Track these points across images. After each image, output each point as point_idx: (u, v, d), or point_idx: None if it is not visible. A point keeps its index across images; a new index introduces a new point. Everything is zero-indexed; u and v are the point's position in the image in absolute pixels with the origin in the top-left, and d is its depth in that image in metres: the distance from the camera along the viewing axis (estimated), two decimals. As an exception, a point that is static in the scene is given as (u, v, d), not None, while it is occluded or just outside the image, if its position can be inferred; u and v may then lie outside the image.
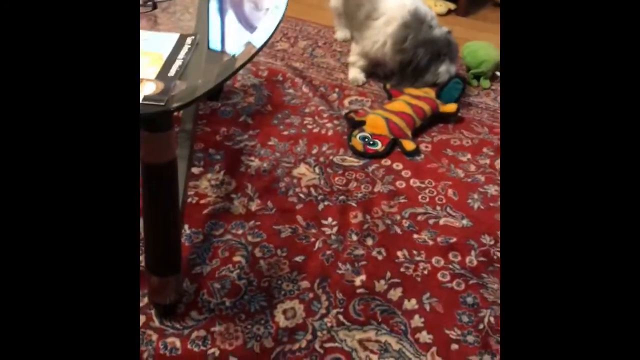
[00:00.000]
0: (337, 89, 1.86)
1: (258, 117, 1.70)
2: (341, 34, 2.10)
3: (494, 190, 1.52)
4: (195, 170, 1.48)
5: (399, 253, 1.32)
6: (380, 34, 1.76)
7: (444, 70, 1.75)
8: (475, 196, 1.50)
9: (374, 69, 1.92)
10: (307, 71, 1.93)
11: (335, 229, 1.36)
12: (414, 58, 1.73)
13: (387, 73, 1.91)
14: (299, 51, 2.03)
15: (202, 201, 1.41)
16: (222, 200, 1.41)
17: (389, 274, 1.27)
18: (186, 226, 1.32)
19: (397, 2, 1.76)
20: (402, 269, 1.29)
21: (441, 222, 1.42)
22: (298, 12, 2.21)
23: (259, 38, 1.02)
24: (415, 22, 1.72)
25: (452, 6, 2.35)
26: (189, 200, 1.40)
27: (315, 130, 1.67)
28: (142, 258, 1.16)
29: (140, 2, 1.08)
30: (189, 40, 0.99)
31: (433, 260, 1.32)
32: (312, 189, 1.47)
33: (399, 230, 1.38)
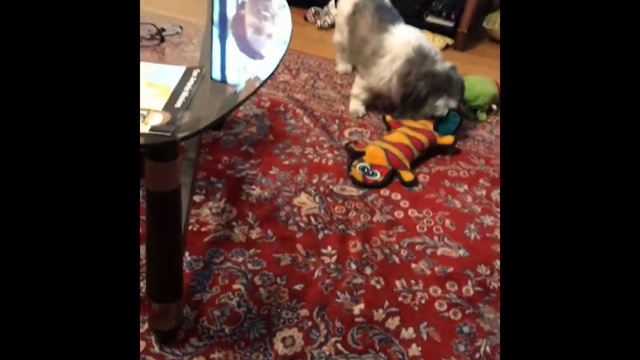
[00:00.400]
0: (337, 120, 1.90)
1: (260, 147, 1.74)
2: (342, 67, 2.15)
3: (489, 220, 1.55)
4: (197, 198, 1.51)
5: (397, 282, 1.34)
6: (387, 71, 1.81)
7: (442, 104, 1.79)
8: (472, 226, 1.52)
9: (374, 102, 1.96)
10: (308, 102, 1.97)
11: (334, 258, 1.38)
12: (414, 90, 1.78)
13: (386, 105, 1.96)
14: (300, 83, 2.08)
15: (203, 229, 1.43)
16: (223, 228, 1.44)
17: (387, 303, 1.29)
18: (187, 253, 1.34)
19: (402, 40, 1.81)
20: (400, 298, 1.30)
21: (438, 252, 1.44)
22: (300, 46, 2.26)
23: (263, 71, 1.06)
24: (418, 58, 1.77)
25: (449, 41, 2.41)
26: (190, 227, 1.42)
27: (315, 160, 1.70)
28: (142, 284, 1.17)
29: (148, 36, 1.12)
30: (194, 72, 1.03)
31: (430, 289, 1.33)
32: (312, 218, 1.50)
33: (397, 260, 1.40)
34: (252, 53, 1.26)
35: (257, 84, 1.03)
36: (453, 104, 1.80)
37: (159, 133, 0.87)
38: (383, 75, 1.83)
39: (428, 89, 1.78)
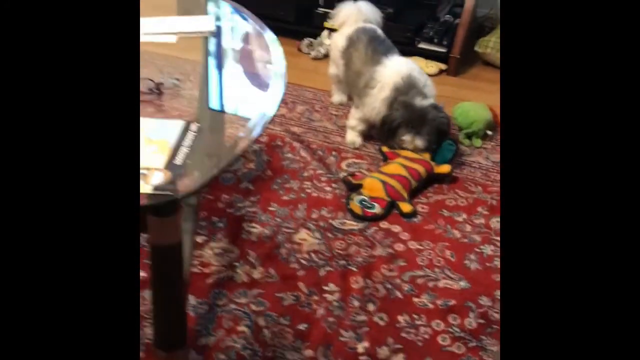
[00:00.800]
0: (334, 152, 1.92)
1: (258, 183, 1.76)
2: (338, 97, 2.18)
3: (490, 250, 1.56)
4: (198, 239, 1.52)
5: (400, 318, 1.35)
6: (377, 101, 1.83)
7: (408, 139, 1.80)
8: (472, 257, 1.54)
9: (369, 132, 1.99)
10: (305, 135, 2.00)
11: (337, 295, 1.40)
12: (389, 118, 1.80)
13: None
14: (296, 116, 2.11)
15: (206, 270, 1.44)
16: (225, 269, 1.45)
17: (390, 340, 1.30)
18: (191, 297, 1.36)
19: (392, 70, 1.83)
20: (403, 334, 1.31)
21: (440, 284, 1.45)
22: (295, 77, 2.29)
23: (260, 122, 1.08)
24: (405, 87, 1.79)
25: (443, 66, 2.44)
26: (194, 269, 1.43)
27: (314, 195, 1.72)
28: (149, 332, 1.19)
29: (147, 90, 1.15)
30: (193, 127, 1.05)
31: (433, 323, 1.35)
32: (313, 255, 1.51)
33: (399, 295, 1.41)
34: (249, 100, 1.28)
35: (255, 135, 1.06)
36: (419, 142, 1.80)
37: (161, 192, 0.89)
38: (374, 105, 1.85)
39: (400, 121, 1.79)
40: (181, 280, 1.04)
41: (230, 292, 1.39)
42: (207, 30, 1.44)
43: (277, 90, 1.20)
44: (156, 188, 0.89)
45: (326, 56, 2.45)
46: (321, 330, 1.31)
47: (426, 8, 2.62)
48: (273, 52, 1.38)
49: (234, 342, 1.27)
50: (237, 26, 1.62)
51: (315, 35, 2.56)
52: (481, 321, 1.36)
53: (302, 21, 2.60)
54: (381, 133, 1.86)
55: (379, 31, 2.00)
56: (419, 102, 1.78)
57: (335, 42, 2.06)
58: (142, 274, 1.41)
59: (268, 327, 1.31)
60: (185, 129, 1.04)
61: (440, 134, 1.81)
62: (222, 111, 1.18)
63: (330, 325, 1.32)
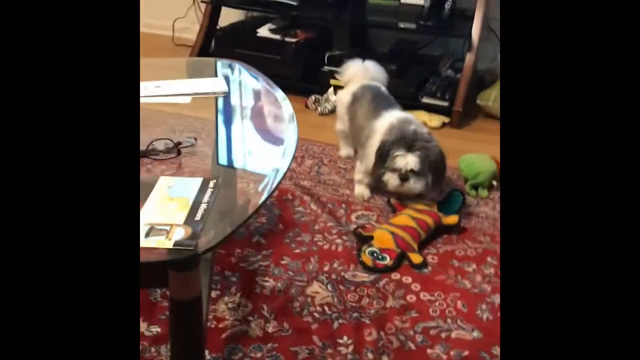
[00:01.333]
0: (343, 205, 1.96)
1: (270, 237, 1.79)
2: (345, 151, 2.24)
3: (499, 300, 1.57)
4: (212, 294, 1.54)
5: (414, 369, 1.35)
6: (372, 152, 1.87)
7: (400, 156, 1.77)
8: (484, 307, 1.55)
9: (377, 184, 2.03)
10: (314, 189, 2.04)
11: (351, 348, 1.40)
12: (381, 144, 1.82)
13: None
14: (306, 170, 2.16)
15: (220, 325, 1.46)
16: (239, 323, 1.46)
17: (406, 392, 1.30)
18: (206, 352, 1.37)
19: (386, 120, 1.89)
20: (418, 386, 1.31)
21: (453, 335, 1.46)
22: (303, 133, 2.32)
23: (274, 178, 1.13)
24: (394, 135, 1.81)
25: (446, 119, 2.51)
26: (208, 324, 1.45)
27: (325, 247, 1.75)
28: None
29: (165, 149, 1.20)
30: (211, 183, 1.09)
31: (448, 375, 1.35)
32: (326, 307, 1.52)
33: (412, 346, 1.42)
34: (263, 156, 1.33)
35: (271, 189, 1.10)
36: (412, 159, 1.76)
37: (182, 248, 0.93)
38: (371, 157, 1.88)
39: (393, 141, 1.79)
40: (200, 334, 1.06)
41: (245, 346, 1.40)
42: (220, 90, 1.50)
43: (289, 145, 1.25)
44: (177, 244, 0.93)
45: (332, 112, 2.53)
46: (336, 383, 1.31)
47: (428, 64, 2.72)
48: (283, 109, 1.44)
49: (250, 397, 1.27)
50: (248, 85, 1.69)
51: (322, 92, 2.65)
52: (496, 372, 1.36)
53: (309, 79, 2.70)
54: (376, 162, 1.84)
55: (383, 88, 2.07)
56: (412, 128, 1.82)
57: (341, 98, 2.14)
58: (157, 329, 1.42)
59: (283, 381, 1.31)
60: (204, 186, 1.08)
61: (433, 159, 1.80)
62: (236, 168, 1.23)
63: (346, 378, 1.33)
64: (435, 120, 2.49)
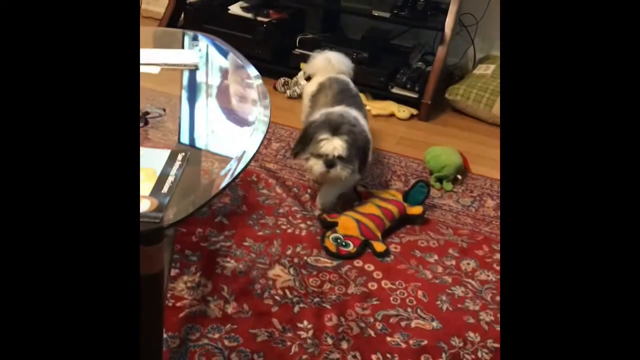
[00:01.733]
0: (309, 190, 1.94)
1: (233, 218, 1.75)
2: None
3: (460, 291, 1.58)
4: (172, 272, 1.50)
5: (373, 357, 1.35)
6: None
7: (326, 139, 1.66)
8: (444, 297, 1.56)
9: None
10: (280, 172, 2.01)
11: (310, 333, 1.39)
12: (306, 128, 1.74)
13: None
14: (272, 152, 2.12)
15: (178, 304, 1.42)
16: (198, 303, 1.43)
17: (364, 379, 1.29)
18: (163, 330, 1.33)
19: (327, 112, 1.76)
20: (376, 373, 1.31)
21: (412, 324, 1.46)
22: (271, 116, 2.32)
23: (245, 155, 1.10)
24: (318, 118, 1.73)
25: (414, 111, 2.51)
26: (166, 302, 1.41)
27: (289, 231, 1.73)
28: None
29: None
30: (179, 156, 1.05)
31: (406, 363, 1.35)
32: (287, 291, 1.50)
33: (372, 333, 1.41)
34: (235, 130, 1.30)
35: (241, 167, 1.07)
36: (338, 142, 1.65)
37: (147, 220, 0.89)
38: None
39: (318, 124, 1.70)
40: (160, 311, 1.03)
41: (203, 326, 1.37)
42: (191, 62, 1.46)
43: (259, 128, 1.22)
44: (142, 215, 0.89)
45: (301, 95, 2.49)
46: (295, 367, 1.30)
47: (399, 54, 2.71)
48: (256, 88, 1.40)
49: (206, 378, 1.25)
50: (219, 60, 1.65)
51: (291, 75, 2.61)
52: (453, 362, 1.37)
53: (279, 61, 2.66)
54: (297, 143, 1.74)
55: (352, 85, 1.99)
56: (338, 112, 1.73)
57: (307, 89, 2.06)
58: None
59: (241, 364, 1.29)
60: (172, 158, 1.04)
61: (361, 144, 1.71)
62: (202, 146, 1.19)
63: (304, 362, 1.31)
64: (404, 111, 2.49)
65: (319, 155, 1.68)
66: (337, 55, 2.09)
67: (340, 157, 1.67)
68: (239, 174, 1.05)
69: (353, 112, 1.78)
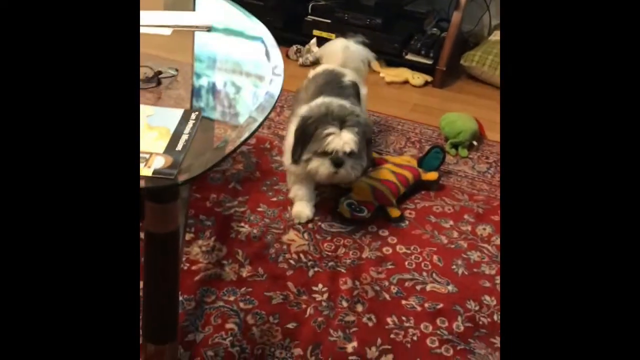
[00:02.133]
0: (322, 157, 1.92)
1: (247, 184, 1.75)
2: None
3: (476, 256, 1.57)
4: (186, 236, 1.50)
5: (388, 319, 1.35)
6: (290, 147, 1.57)
7: (334, 133, 1.45)
8: (459, 262, 1.55)
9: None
10: (293, 139, 2.00)
11: (325, 296, 1.39)
12: (302, 123, 1.52)
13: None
14: (284, 120, 2.10)
15: (193, 267, 1.42)
16: (213, 267, 1.43)
17: (379, 341, 1.29)
18: (179, 292, 1.33)
19: (312, 104, 1.56)
20: (392, 335, 1.31)
21: (428, 288, 1.45)
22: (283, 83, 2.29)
23: (259, 112, 1.08)
24: (317, 110, 1.51)
25: (428, 78, 2.48)
26: (182, 266, 1.41)
27: (302, 197, 1.72)
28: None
29: (145, 79, 1.13)
30: (193, 115, 1.04)
31: (421, 326, 1.35)
32: (301, 255, 1.50)
33: (387, 297, 1.41)
34: (247, 91, 1.28)
35: (254, 126, 1.05)
36: (348, 135, 1.44)
37: (161, 176, 0.88)
38: (289, 153, 1.57)
39: (317, 117, 1.48)
40: (176, 270, 1.03)
41: (218, 289, 1.37)
42: (203, 24, 1.43)
43: (274, 90, 1.20)
44: (156, 172, 0.88)
45: (314, 63, 2.46)
46: (310, 329, 1.30)
47: (414, 20, 2.66)
48: (271, 53, 1.38)
49: (222, 339, 1.25)
50: (235, 23, 1.62)
51: (304, 42, 2.58)
52: (469, 325, 1.36)
53: (291, 28, 2.62)
54: (296, 145, 1.51)
55: (346, 79, 1.72)
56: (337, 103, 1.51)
57: (310, 73, 1.86)
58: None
59: (257, 325, 1.29)
60: (186, 117, 1.03)
61: (369, 136, 1.55)
62: (216, 105, 1.18)
63: (319, 324, 1.31)
64: (418, 78, 2.46)
65: (324, 154, 1.46)
66: (357, 47, 1.85)
67: (351, 154, 1.47)
68: (258, 127, 1.03)
69: (342, 102, 1.53)
